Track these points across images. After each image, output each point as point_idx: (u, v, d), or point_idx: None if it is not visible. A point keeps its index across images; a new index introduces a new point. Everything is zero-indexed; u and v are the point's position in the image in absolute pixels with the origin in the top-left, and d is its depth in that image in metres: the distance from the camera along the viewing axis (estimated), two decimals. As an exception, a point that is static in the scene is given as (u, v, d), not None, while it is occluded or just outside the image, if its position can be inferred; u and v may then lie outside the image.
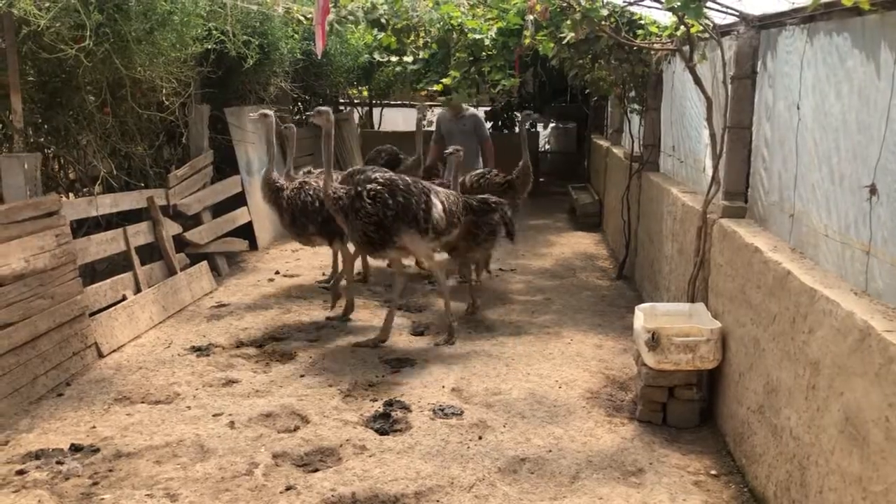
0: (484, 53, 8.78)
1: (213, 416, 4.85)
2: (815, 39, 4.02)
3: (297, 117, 12.85)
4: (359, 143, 16.18)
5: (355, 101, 17.27)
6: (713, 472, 4.28)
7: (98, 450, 4.43)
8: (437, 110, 15.56)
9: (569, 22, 5.66)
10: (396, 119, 18.19)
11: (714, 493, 4.06)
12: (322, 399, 5.19)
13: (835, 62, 3.77)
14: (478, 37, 8.65)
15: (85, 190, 7.25)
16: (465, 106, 9.26)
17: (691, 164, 6.55)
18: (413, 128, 17.68)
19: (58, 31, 5.47)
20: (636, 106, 8.25)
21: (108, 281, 6.45)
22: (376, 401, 5.16)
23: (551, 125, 17.44)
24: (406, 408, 5.02)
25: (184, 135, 8.50)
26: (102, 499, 3.92)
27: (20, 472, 4.12)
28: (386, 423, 4.81)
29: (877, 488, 2.72)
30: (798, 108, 4.21)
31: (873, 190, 3.22)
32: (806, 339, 3.45)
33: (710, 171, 5.39)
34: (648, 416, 4.84)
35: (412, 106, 17.84)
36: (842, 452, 3.03)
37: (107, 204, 6.71)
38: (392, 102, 17.84)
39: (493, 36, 8.77)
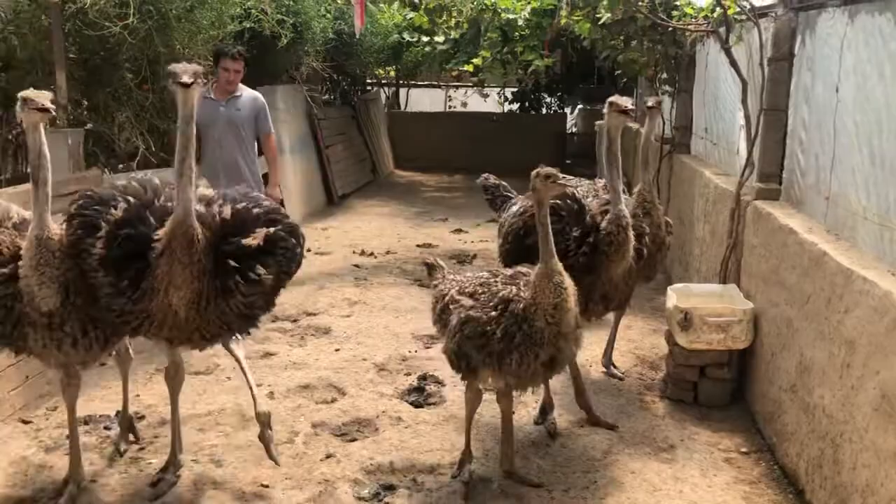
0: (517, 33, 8.76)
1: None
2: (857, 20, 4.02)
3: (327, 97, 12.94)
4: (385, 123, 16.28)
5: (383, 81, 17.31)
6: (743, 449, 4.35)
7: (143, 417, 4.58)
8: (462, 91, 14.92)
9: (605, 2, 5.67)
10: (423, 100, 18.22)
11: (744, 470, 4.13)
12: (357, 372, 5.30)
13: (877, 44, 3.77)
14: (511, 16, 8.64)
15: (122, 166, 7.38)
16: (240, 84, 6.35)
17: (724, 146, 6.56)
18: (440, 107, 17.90)
19: (102, 8, 5.58)
20: (668, 88, 8.22)
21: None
22: (410, 375, 5.26)
23: (578, 106, 17.39)
24: (440, 382, 5.12)
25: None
26: (150, 463, 4.07)
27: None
28: (420, 396, 4.93)
29: (912, 464, 2.77)
30: (837, 91, 4.22)
31: (914, 172, 3.24)
32: (841, 318, 3.49)
33: (743, 154, 5.41)
34: (679, 394, 4.90)
35: (438, 86, 17.90)
36: (876, 430, 3.08)
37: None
38: (419, 83, 17.88)
39: (527, 16, 8.75)
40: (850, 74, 4.10)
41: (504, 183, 5.28)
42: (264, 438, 3.94)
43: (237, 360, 4.06)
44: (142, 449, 4.23)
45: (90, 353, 3.57)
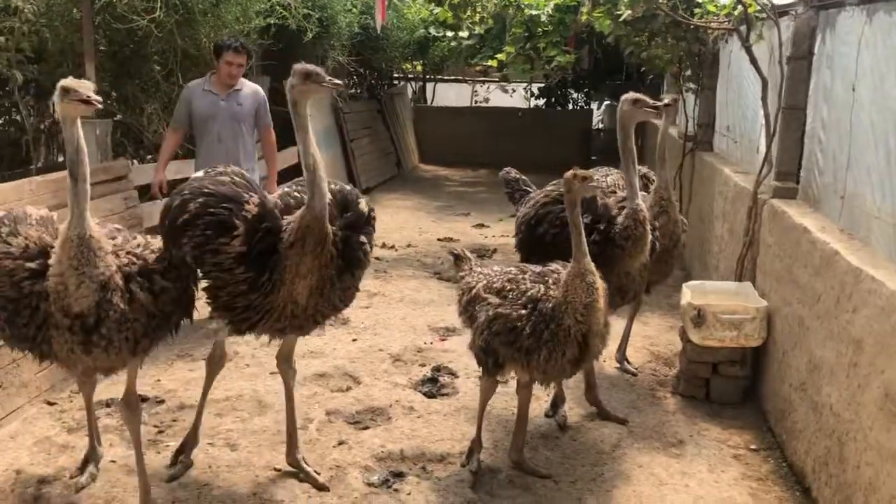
0: (540, 29, 8.78)
1: (270, 373, 5.08)
2: (875, 19, 4.01)
3: (353, 90, 13.04)
4: (411, 117, 16.35)
5: (409, 75, 17.40)
6: (753, 446, 4.36)
7: (163, 401, 4.71)
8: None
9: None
10: (448, 94, 18.27)
11: (752, 467, 4.15)
12: (373, 363, 5.39)
13: (894, 43, 3.76)
14: (534, 12, 8.66)
15: (150, 157, 7.55)
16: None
17: (745, 144, 6.53)
18: (465, 102, 17.96)
19: (130, 2, 5.71)
20: (691, 85, 8.19)
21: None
22: (425, 366, 5.34)
23: (605, 102, 17.32)
24: (453, 374, 5.19)
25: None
26: (167, 445, 4.19)
27: (93, 418, 4.40)
28: (434, 387, 5.00)
29: (912, 462, 2.78)
30: (854, 90, 4.21)
31: (924, 172, 3.24)
32: (850, 318, 3.50)
33: (763, 152, 5.40)
34: (691, 391, 4.92)
35: (465, 81, 17.93)
36: (880, 429, 3.09)
37: (171, 171, 6.97)
38: (445, 77, 17.93)
39: (550, 12, 8.77)
40: (867, 73, 4.08)
41: (524, 177, 5.31)
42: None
43: (290, 394, 4.00)
44: (161, 432, 4.35)
45: (118, 358, 3.34)
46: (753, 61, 5.44)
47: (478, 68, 13.89)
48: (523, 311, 3.65)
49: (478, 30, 11.43)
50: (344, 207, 3.55)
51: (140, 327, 3.28)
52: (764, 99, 5.34)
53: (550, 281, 3.72)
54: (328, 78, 3.45)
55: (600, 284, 3.61)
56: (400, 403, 4.76)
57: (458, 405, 4.76)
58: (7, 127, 6.88)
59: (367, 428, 4.45)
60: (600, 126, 17.89)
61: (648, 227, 4.36)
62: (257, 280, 3.31)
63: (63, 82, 3.11)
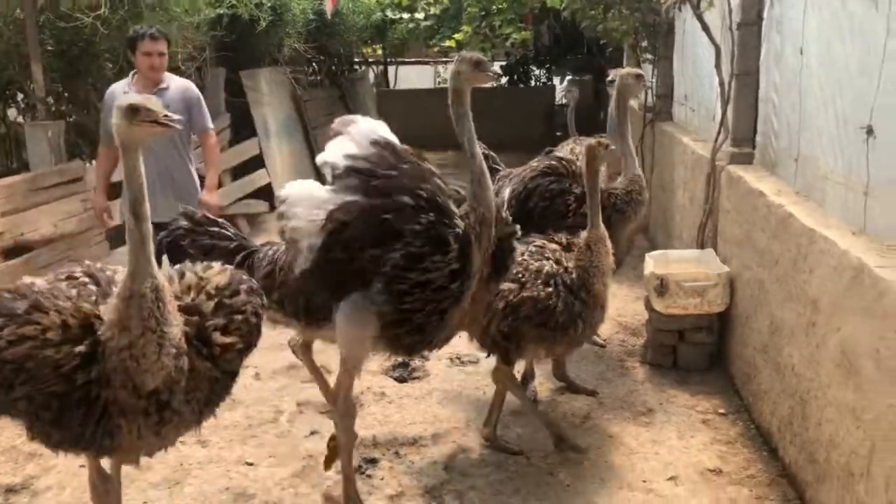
0: (495, 7, 8.74)
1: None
2: (819, -18, 4.04)
3: (312, 78, 12.91)
4: (374, 102, 16.23)
5: (370, 59, 17.26)
6: (721, 410, 4.43)
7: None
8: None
9: (576, -28, 5.67)
10: (411, 76, 18.16)
11: (721, 430, 4.21)
12: (343, 351, 5.37)
13: (836, 6, 3.79)
14: (488, -10, 8.61)
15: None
16: (165, 73, 5.25)
17: (703, 112, 6.58)
18: (428, 84, 17.82)
19: (74, -1, 5.61)
20: (649, 55, 8.23)
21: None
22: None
23: (567, 78, 17.32)
24: (424, 357, 5.19)
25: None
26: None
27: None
28: (405, 371, 5.01)
29: (868, 417, 2.84)
30: (802, 53, 4.24)
31: (870, 131, 3.28)
32: (806, 278, 3.55)
33: (719, 119, 5.44)
34: (659, 359, 4.98)
35: (426, 63, 17.83)
36: (838, 385, 3.15)
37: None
38: (407, 60, 17.81)
39: (504, -11, 8.73)
40: (814, 37, 4.12)
41: (493, 154, 5.30)
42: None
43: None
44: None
45: (182, 431, 2.76)
46: (705, 29, 5.47)
47: (436, 49, 13.82)
48: (550, 289, 3.68)
49: (433, 10, 11.37)
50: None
51: (202, 395, 2.69)
52: (717, 66, 5.37)
53: (551, 255, 3.77)
54: (493, 68, 3.31)
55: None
56: (371, 390, 4.76)
57: (429, 388, 4.77)
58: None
59: (338, 416, 4.45)
60: (563, 102, 17.91)
61: (647, 194, 4.66)
62: (462, 294, 3.05)
63: (129, 100, 2.47)
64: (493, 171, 5.10)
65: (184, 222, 3.58)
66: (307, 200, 3.10)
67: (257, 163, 9.63)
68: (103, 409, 2.47)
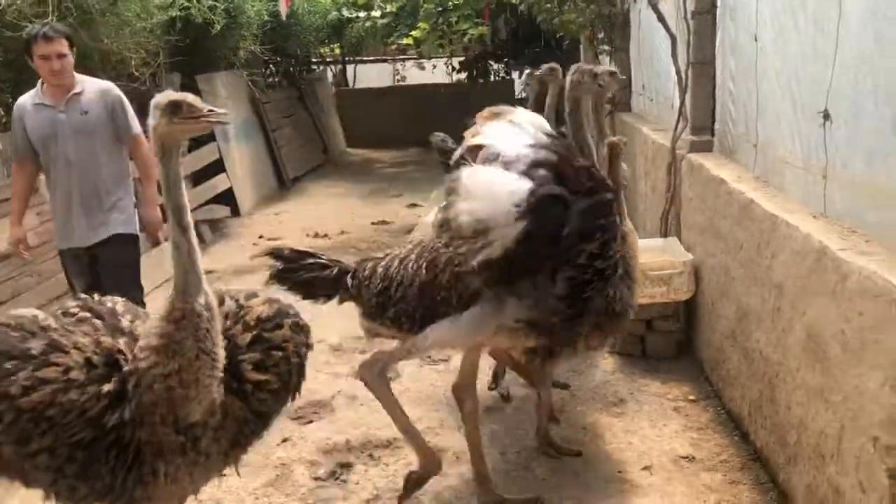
0: (451, 3, 8.73)
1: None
2: (770, -31, 4.08)
3: (270, 80, 12.78)
4: (333, 102, 16.13)
5: (327, 59, 17.14)
6: (692, 397, 4.47)
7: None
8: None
9: (531, -34, 5.67)
10: (370, 75, 18.08)
11: (692, 417, 4.25)
12: (312, 355, 5.24)
13: (789, -9, 3.83)
14: (444, -13, 8.59)
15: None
16: (77, 76, 4.59)
17: (661, 101, 6.63)
18: (387, 82, 17.74)
19: (19, 7, 5.45)
20: (606, 47, 8.29)
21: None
22: (365, 352, 5.28)
23: (526, 71, 17.38)
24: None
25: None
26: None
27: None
28: (375, 373, 4.95)
29: (836, 398, 2.88)
30: (756, 39, 4.29)
31: (826, 115, 3.32)
32: (770, 263, 3.59)
33: (678, 108, 5.48)
34: (628, 349, 5.01)
35: (385, 61, 17.76)
36: (805, 368, 3.19)
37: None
38: (365, 59, 17.73)
39: (460, -15, 8.72)
40: (767, 23, 4.16)
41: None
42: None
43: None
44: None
45: (212, 475, 2.56)
46: (661, 18, 5.51)
47: (393, 47, 13.76)
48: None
49: (390, 8, 11.32)
50: None
51: (229, 436, 2.44)
52: (674, 55, 5.42)
53: None
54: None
55: None
56: (343, 393, 4.71)
57: (400, 388, 4.72)
58: None
59: (310, 422, 4.40)
60: (523, 95, 17.96)
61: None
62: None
63: (170, 96, 2.20)
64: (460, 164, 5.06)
65: (277, 264, 3.47)
66: (492, 190, 2.81)
67: (217, 167, 9.51)
68: (135, 452, 2.25)
